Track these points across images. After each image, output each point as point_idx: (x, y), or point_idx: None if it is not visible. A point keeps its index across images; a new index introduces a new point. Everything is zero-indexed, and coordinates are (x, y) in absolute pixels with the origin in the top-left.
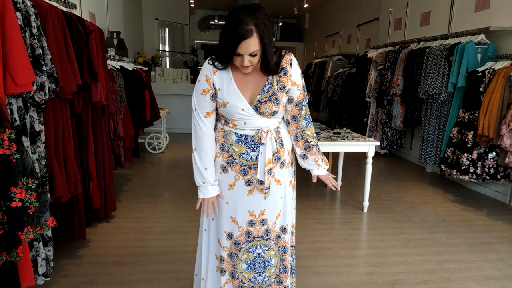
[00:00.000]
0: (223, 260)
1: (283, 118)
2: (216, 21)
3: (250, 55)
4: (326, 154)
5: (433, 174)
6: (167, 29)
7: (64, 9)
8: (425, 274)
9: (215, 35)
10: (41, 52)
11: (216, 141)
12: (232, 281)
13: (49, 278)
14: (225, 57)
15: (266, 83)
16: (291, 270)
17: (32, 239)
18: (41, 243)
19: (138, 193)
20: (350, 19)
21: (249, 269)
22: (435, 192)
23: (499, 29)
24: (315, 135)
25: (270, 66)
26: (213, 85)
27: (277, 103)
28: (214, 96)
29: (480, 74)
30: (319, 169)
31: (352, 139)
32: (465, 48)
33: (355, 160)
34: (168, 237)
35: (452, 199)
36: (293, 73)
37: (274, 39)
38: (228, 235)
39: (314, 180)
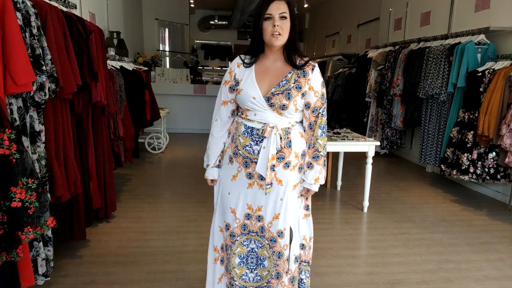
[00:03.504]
0: (222, 249)
1: (302, 124)
2: (216, 21)
3: (280, 17)
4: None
5: (433, 174)
6: (167, 29)
7: (64, 9)
8: (425, 274)
9: (215, 35)
10: (41, 52)
11: (229, 133)
12: (226, 274)
13: (49, 278)
14: (256, 29)
15: (284, 79)
16: (298, 284)
17: (32, 239)
18: (41, 243)
19: (138, 193)
20: (350, 19)
21: (242, 264)
22: (435, 192)
23: (499, 29)
24: (326, 147)
25: (297, 45)
26: (234, 77)
27: (289, 98)
28: (232, 88)
29: (480, 74)
30: (314, 184)
31: (352, 139)
32: (465, 48)
33: (355, 160)
34: (168, 237)
35: (452, 199)
36: (313, 78)
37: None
38: (226, 226)
39: (303, 193)
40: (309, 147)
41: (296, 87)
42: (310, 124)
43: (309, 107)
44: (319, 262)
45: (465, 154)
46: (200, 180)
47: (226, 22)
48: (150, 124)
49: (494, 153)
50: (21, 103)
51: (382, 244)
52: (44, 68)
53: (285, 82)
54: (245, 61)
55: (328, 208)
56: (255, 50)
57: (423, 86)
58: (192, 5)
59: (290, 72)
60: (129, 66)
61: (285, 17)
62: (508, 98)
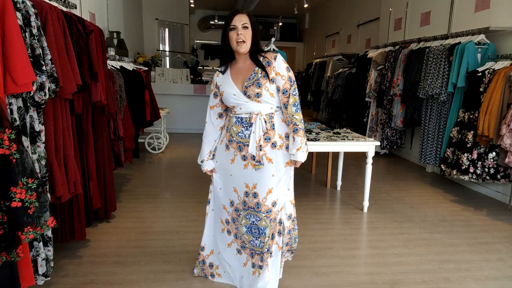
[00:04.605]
0: (228, 223)
1: (281, 109)
2: (216, 21)
3: (243, 27)
4: (326, 154)
5: (433, 174)
6: (167, 29)
7: (64, 9)
8: (425, 274)
9: (215, 35)
10: (41, 52)
11: (224, 126)
12: (236, 241)
13: (49, 278)
14: (224, 38)
15: (252, 73)
16: (290, 240)
17: (32, 239)
18: (41, 243)
19: (138, 193)
20: (350, 19)
21: (248, 232)
22: (435, 192)
23: (499, 29)
24: (302, 121)
25: (259, 48)
26: (216, 84)
27: (259, 86)
28: (215, 94)
29: (480, 74)
30: (297, 153)
31: (352, 139)
32: (465, 48)
33: (355, 160)
34: (168, 237)
35: (452, 199)
36: (277, 65)
37: (274, 39)
38: (231, 202)
39: (296, 165)
40: (288, 124)
41: (263, 76)
42: (284, 104)
43: (279, 90)
44: (319, 262)
45: (465, 154)
46: (200, 180)
47: None
48: (150, 124)
49: (494, 153)
50: (21, 103)
51: (382, 244)
52: (44, 68)
53: (253, 74)
54: (221, 70)
55: (328, 208)
56: (226, 57)
57: (423, 86)
58: (192, 5)
59: (257, 66)
60: (129, 66)
61: (247, 27)
62: (508, 98)
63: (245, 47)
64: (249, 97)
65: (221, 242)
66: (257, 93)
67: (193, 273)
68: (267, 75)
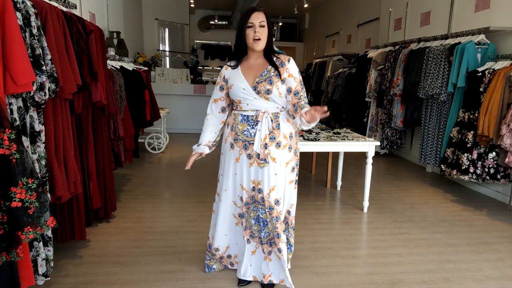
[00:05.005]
0: (241, 216)
1: (287, 111)
2: (216, 21)
3: (260, 26)
4: (326, 154)
5: (433, 174)
6: (167, 29)
7: (64, 9)
8: (425, 274)
9: (215, 35)
10: (41, 52)
11: (228, 125)
12: (245, 231)
13: (49, 278)
14: (240, 35)
15: (265, 70)
16: (287, 244)
17: (32, 239)
18: (41, 243)
19: (138, 193)
20: (350, 19)
21: (256, 223)
22: (435, 192)
23: (499, 29)
24: None
25: (272, 47)
26: (223, 78)
27: (271, 83)
28: (221, 87)
29: (480, 74)
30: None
31: (352, 139)
32: (465, 48)
33: (355, 160)
34: (168, 237)
35: (452, 199)
36: (290, 67)
37: (274, 39)
38: (241, 198)
39: (306, 116)
40: (295, 110)
41: (276, 75)
42: (295, 105)
43: (290, 91)
44: (319, 262)
45: (465, 154)
46: (200, 180)
47: (226, 22)
48: (150, 124)
49: (494, 153)
50: (21, 103)
51: (382, 244)
52: (44, 68)
53: (266, 72)
54: (232, 64)
55: (328, 208)
56: (238, 54)
57: (423, 86)
58: (192, 5)
59: (270, 65)
60: (129, 66)
61: (263, 25)
62: (508, 98)
63: (261, 45)
64: (258, 92)
65: (239, 234)
66: (268, 90)
67: (211, 271)
68: (279, 75)
